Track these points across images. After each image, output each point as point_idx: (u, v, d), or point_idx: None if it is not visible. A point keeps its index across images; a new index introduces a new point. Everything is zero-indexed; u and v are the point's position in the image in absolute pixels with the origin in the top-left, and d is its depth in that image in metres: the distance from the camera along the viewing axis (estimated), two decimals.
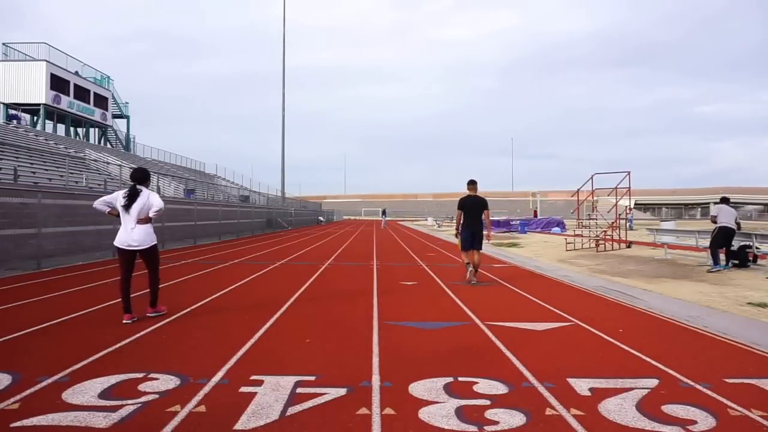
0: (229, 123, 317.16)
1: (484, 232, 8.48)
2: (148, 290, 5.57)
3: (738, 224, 11.12)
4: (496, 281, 8.82)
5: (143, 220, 5.37)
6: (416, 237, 24.79)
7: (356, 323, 5.32)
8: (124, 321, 5.21)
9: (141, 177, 5.58)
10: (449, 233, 28.35)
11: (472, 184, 8.55)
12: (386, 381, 3.48)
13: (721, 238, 10.78)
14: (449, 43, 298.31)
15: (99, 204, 5.45)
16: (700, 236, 12.93)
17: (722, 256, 10.88)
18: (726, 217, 10.91)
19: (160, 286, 5.71)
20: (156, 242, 5.56)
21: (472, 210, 8.42)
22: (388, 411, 2.96)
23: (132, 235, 5.32)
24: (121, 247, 5.35)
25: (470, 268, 8.44)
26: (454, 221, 9.12)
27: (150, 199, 5.42)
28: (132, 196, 5.35)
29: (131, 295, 5.38)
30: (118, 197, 5.41)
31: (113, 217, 5.52)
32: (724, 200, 11.40)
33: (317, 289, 7.75)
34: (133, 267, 5.43)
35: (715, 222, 11.01)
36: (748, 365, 3.94)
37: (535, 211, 54.75)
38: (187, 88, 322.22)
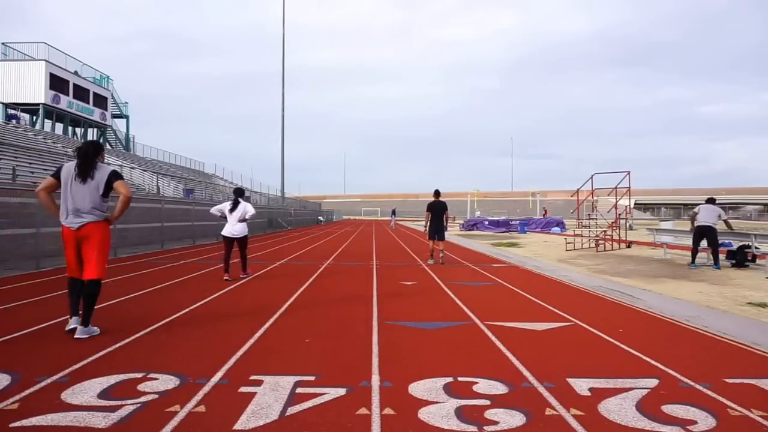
0: (229, 123, 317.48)
1: (445, 225, 11.72)
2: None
3: (726, 223, 11.41)
4: (496, 281, 8.82)
5: (241, 220, 8.59)
6: (415, 236, 24.77)
7: (356, 323, 5.32)
8: (224, 278, 8.40)
9: (240, 193, 9.00)
10: (449, 233, 28.33)
11: (437, 193, 11.76)
12: (386, 381, 3.47)
13: (697, 236, 11.15)
14: (451, 43, 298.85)
15: (214, 210, 8.98)
16: None
17: (704, 255, 11.18)
18: (705, 215, 11.10)
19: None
20: (247, 233, 8.83)
21: (436, 212, 11.60)
22: (388, 411, 2.96)
23: (234, 228, 8.58)
24: (226, 235, 8.64)
25: (435, 255, 11.75)
26: (423, 219, 12.47)
27: (246, 207, 8.69)
28: (235, 205, 8.64)
29: (230, 262, 8.68)
30: (226, 206, 8.73)
31: (222, 220, 8.84)
32: (710, 201, 11.52)
33: (317, 289, 7.74)
34: (233, 247, 8.70)
35: (694, 219, 11.35)
36: (748, 365, 3.94)
37: (545, 210, 54.68)
38: (187, 88, 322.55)
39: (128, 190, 4.60)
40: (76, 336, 4.45)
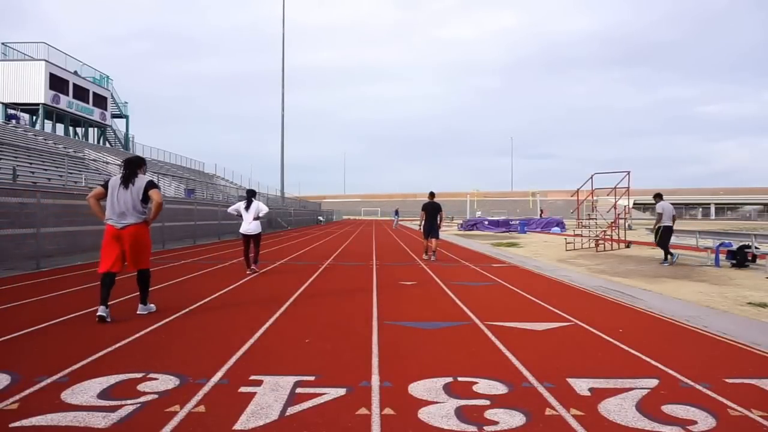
0: (229, 123, 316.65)
1: (440, 225, 12.62)
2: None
3: (674, 218, 12.03)
4: (495, 281, 8.82)
5: (255, 218, 9.40)
6: (415, 236, 24.75)
7: (356, 323, 5.32)
8: (247, 272, 9.34)
9: (252, 194, 9.84)
10: (448, 233, 28.38)
11: (431, 194, 12.63)
12: (386, 381, 3.47)
13: (670, 234, 11.87)
14: (451, 43, 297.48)
15: (231, 210, 9.96)
16: (700, 236, 12.97)
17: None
18: (669, 216, 11.84)
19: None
20: (261, 231, 9.62)
21: (430, 212, 12.40)
22: (388, 411, 2.96)
23: (250, 226, 9.41)
24: (243, 233, 9.54)
25: (429, 252, 12.67)
26: (419, 218, 13.07)
27: (259, 206, 9.51)
28: (249, 204, 9.46)
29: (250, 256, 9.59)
30: (241, 205, 9.54)
31: (238, 218, 9.75)
32: (660, 196, 12.21)
33: (317, 289, 7.74)
34: (250, 243, 9.54)
35: (660, 221, 11.88)
36: (748, 365, 3.94)
37: (542, 210, 54.80)
38: (187, 88, 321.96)
39: (160, 197, 5.47)
40: (138, 312, 5.58)
